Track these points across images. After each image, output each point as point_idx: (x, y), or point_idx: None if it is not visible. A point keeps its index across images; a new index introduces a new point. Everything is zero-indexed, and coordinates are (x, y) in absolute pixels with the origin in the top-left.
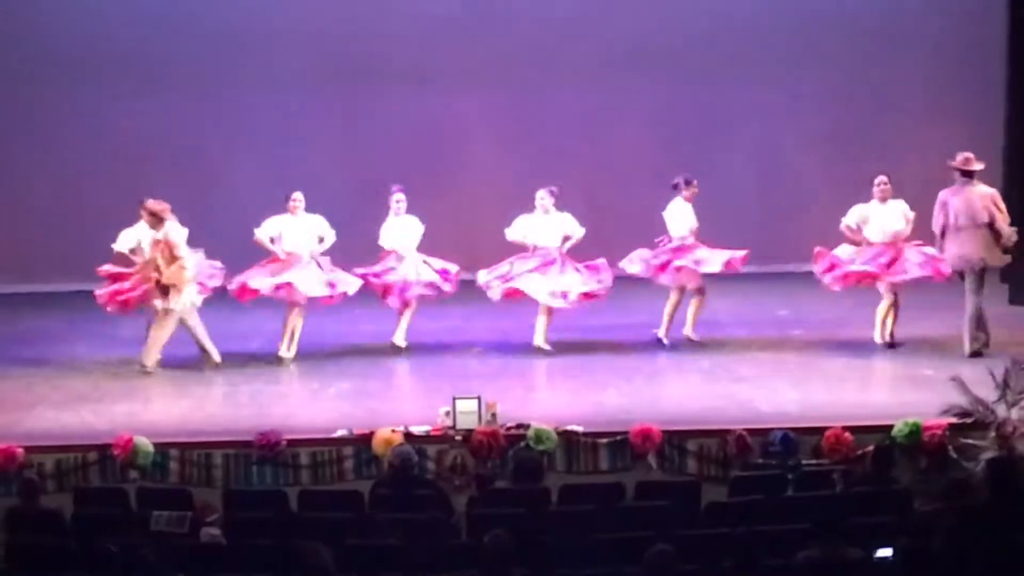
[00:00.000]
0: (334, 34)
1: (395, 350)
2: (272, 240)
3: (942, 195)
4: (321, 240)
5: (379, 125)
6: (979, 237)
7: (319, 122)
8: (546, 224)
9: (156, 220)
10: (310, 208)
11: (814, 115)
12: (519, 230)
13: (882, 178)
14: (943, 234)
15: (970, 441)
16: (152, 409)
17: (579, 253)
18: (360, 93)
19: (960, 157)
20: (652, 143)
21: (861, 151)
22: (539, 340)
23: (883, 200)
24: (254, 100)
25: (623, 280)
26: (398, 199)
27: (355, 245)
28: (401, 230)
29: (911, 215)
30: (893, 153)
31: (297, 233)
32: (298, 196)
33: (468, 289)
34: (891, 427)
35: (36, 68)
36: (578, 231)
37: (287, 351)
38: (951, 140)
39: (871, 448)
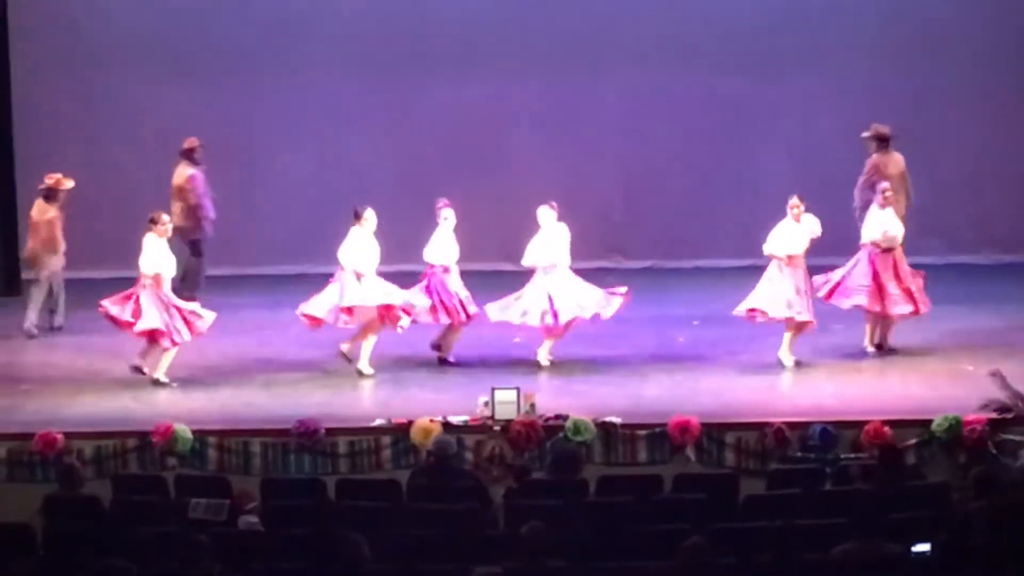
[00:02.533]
0: (378, 23)
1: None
2: None
3: (876, 160)
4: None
5: (422, 114)
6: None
7: (363, 110)
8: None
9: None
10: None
11: (855, 109)
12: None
13: (794, 200)
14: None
15: (1010, 437)
16: (191, 396)
17: (613, 246)
18: (404, 82)
19: (879, 127)
20: (693, 135)
21: (902, 146)
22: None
23: (796, 220)
24: (297, 87)
25: (662, 272)
26: (445, 216)
27: (396, 234)
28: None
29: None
30: (935, 148)
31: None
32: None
33: (507, 280)
34: (931, 422)
35: (79, 53)
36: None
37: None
38: (992, 136)
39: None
